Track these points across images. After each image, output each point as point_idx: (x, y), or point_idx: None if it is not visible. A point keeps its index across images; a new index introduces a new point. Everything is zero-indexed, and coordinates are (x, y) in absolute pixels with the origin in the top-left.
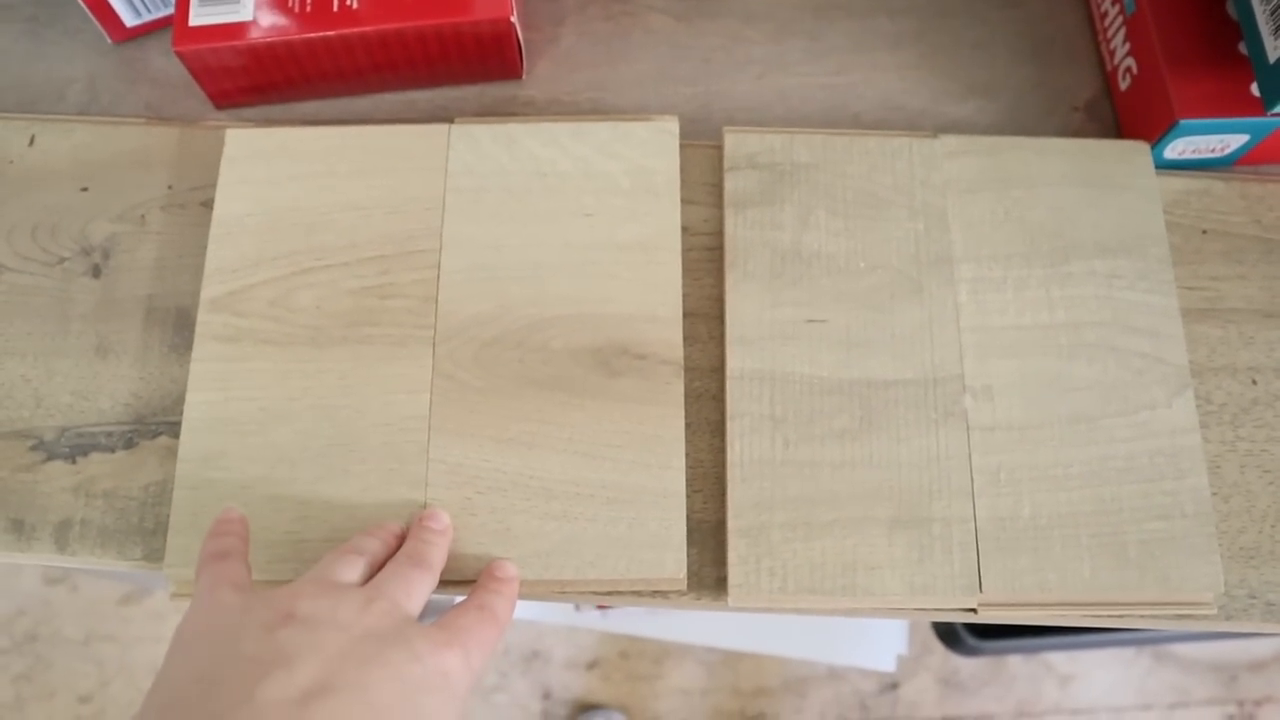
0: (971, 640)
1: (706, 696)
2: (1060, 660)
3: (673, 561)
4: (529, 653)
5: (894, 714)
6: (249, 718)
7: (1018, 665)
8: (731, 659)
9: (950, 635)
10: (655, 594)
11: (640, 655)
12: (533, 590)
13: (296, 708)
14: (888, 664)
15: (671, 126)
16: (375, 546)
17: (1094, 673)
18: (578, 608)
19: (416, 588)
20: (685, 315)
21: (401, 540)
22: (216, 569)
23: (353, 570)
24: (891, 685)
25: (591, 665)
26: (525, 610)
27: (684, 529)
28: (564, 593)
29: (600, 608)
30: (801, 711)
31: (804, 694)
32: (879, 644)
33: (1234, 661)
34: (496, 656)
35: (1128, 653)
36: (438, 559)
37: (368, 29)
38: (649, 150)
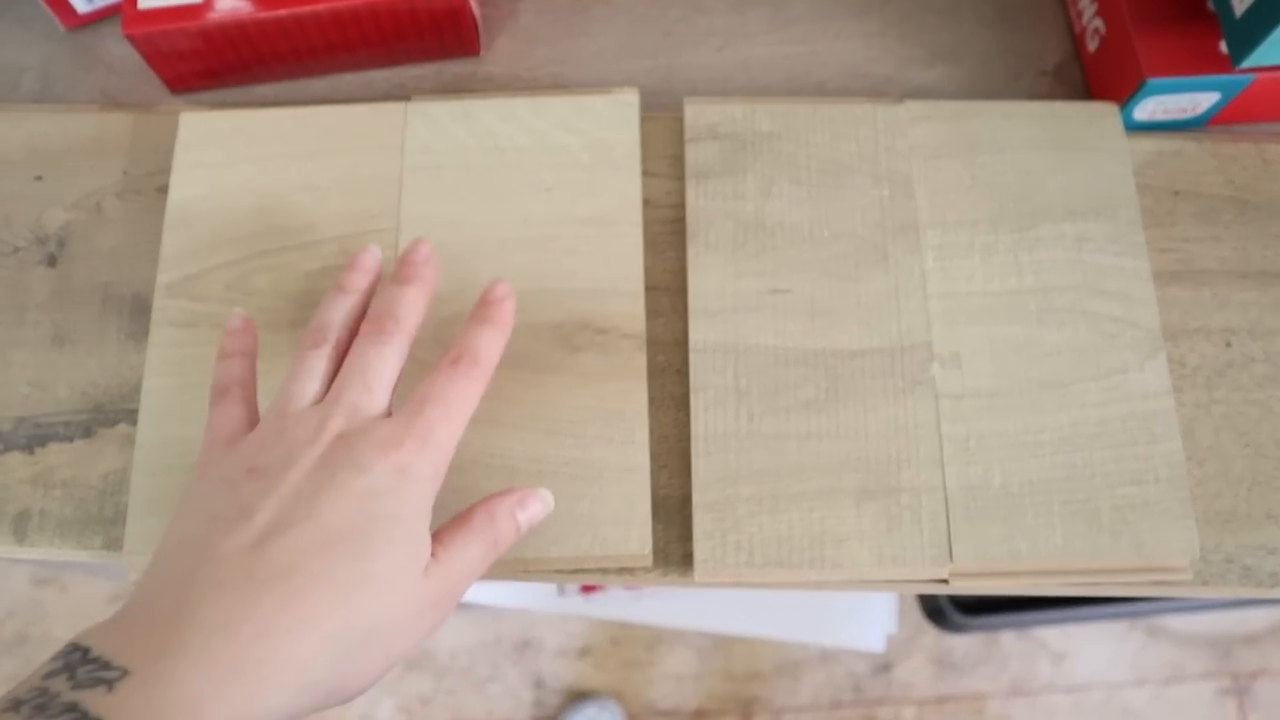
0: (958, 617)
1: (700, 681)
2: (1053, 637)
3: (637, 538)
4: (520, 642)
5: (887, 695)
6: (210, 573)
7: (1011, 644)
8: (724, 643)
9: (937, 613)
10: (621, 571)
11: (632, 641)
12: (495, 570)
13: (251, 552)
14: (877, 644)
15: (631, 99)
16: (338, 320)
17: (1087, 649)
18: (561, 590)
19: (376, 374)
20: (648, 289)
21: (367, 295)
22: (210, 420)
23: (311, 382)
24: (884, 666)
25: (583, 653)
26: (514, 598)
27: (649, 504)
28: (528, 572)
29: (584, 590)
30: (795, 694)
31: (797, 677)
32: (868, 624)
33: (1228, 635)
34: (487, 646)
35: (1121, 628)
36: (408, 315)
37: (321, 8)
38: (608, 123)
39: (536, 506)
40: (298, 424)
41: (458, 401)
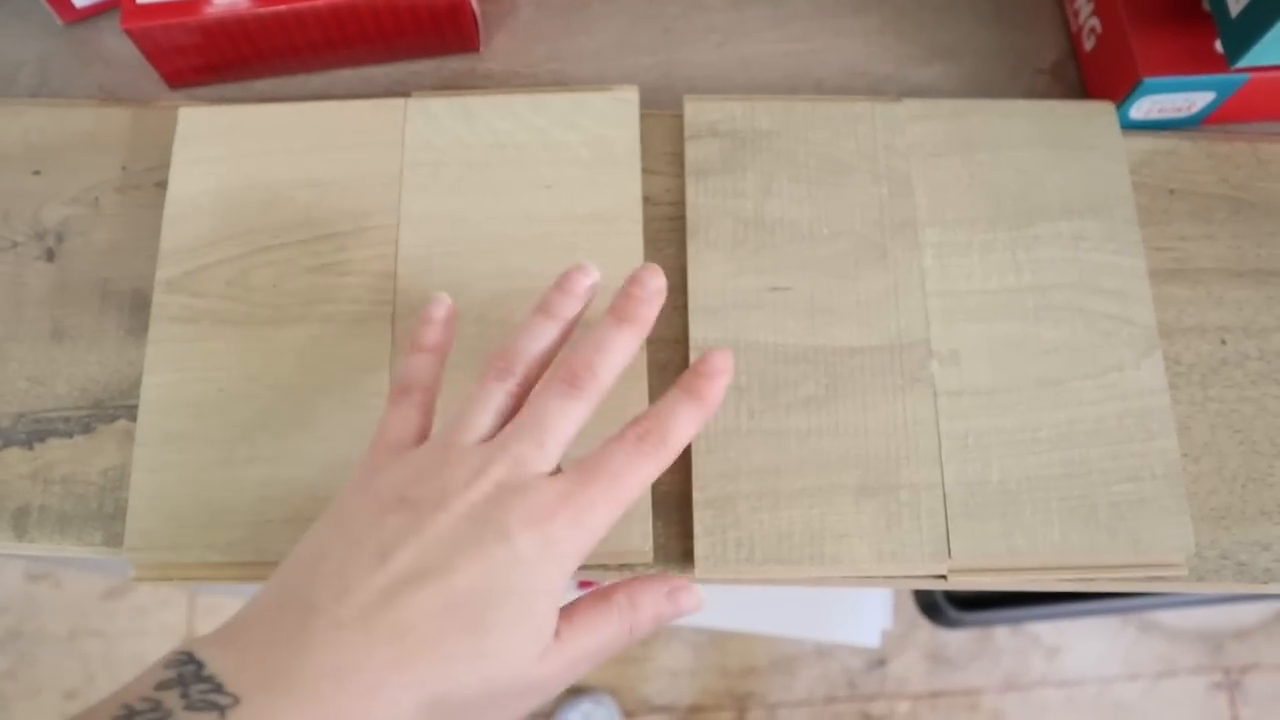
0: (953, 612)
1: (695, 677)
2: (1047, 632)
3: (639, 534)
4: None
5: (882, 690)
6: (335, 611)
7: (1005, 638)
8: (719, 639)
9: (932, 607)
10: (622, 567)
11: None
12: None
13: (379, 599)
14: (872, 639)
15: (631, 96)
16: (531, 352)
17: (1081, 644)
18: None
19: (553, 429)
20: None
21: (573, 324)
22: (385, 419)
23: (486, 415)
24: (879, 662)
25: None
26: None
27: (649, 501)
28: None
29: (581, 585)
30: (790, 690)
31: (792, 672)
32: (864, 620)
33: (1220, 630)
34: None
35: (1114, 623)
36: (609, 367)
37: (320, 3)
38: (608, 120)
39: (687, 602)
40: (460, 460)
41: (629, 485)
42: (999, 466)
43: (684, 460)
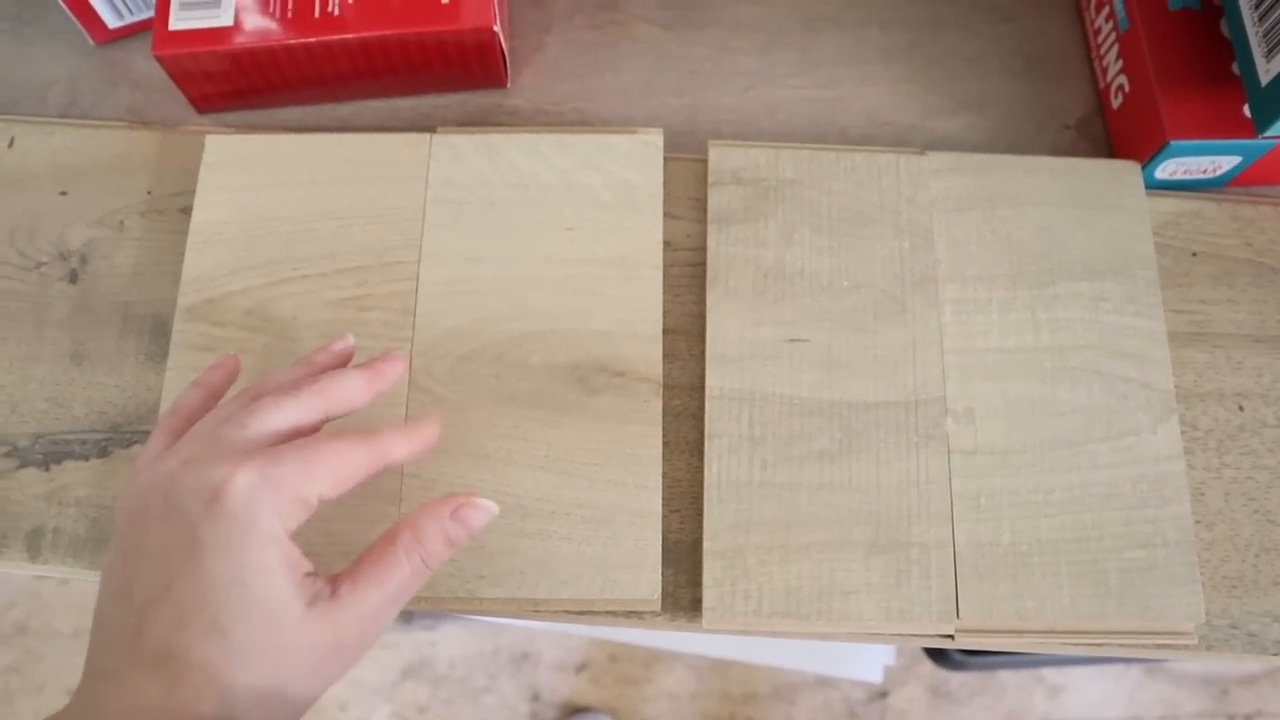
0: (958, 655)
1: (696, 701)
2: (1050, 672)
3: (647, 583)
4: (518, 654)
5: None
6: (108, 662)
7: (1008, 676)
8: (721, 664)
9: (937, 650)
10: (630, 614)
11: (630, 659)
12: (505, 608)
13: (135, 637)
14: (874, 675)
15: (656, 140)
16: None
17: (1084, 684)
18: None
19: (260, 415)
20: (666, 332)
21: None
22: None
23: (205, 427)
24: (881, 693)
25: (581, 668)
26: None
27: (660, 550)
28: (537, 611)
29: None
30: (790, 718)
31: (793, 700)
32: (867, 656)
33: (1225, 675)
34: (485, 657)
35: (1118, 665)
36: (339, 390)
37: (350, 36)
38: (632, 164)
39: (475, 516)
40: (164, 460)
41: (329, 456)
42: (1010, 528)
43: (695, 507)
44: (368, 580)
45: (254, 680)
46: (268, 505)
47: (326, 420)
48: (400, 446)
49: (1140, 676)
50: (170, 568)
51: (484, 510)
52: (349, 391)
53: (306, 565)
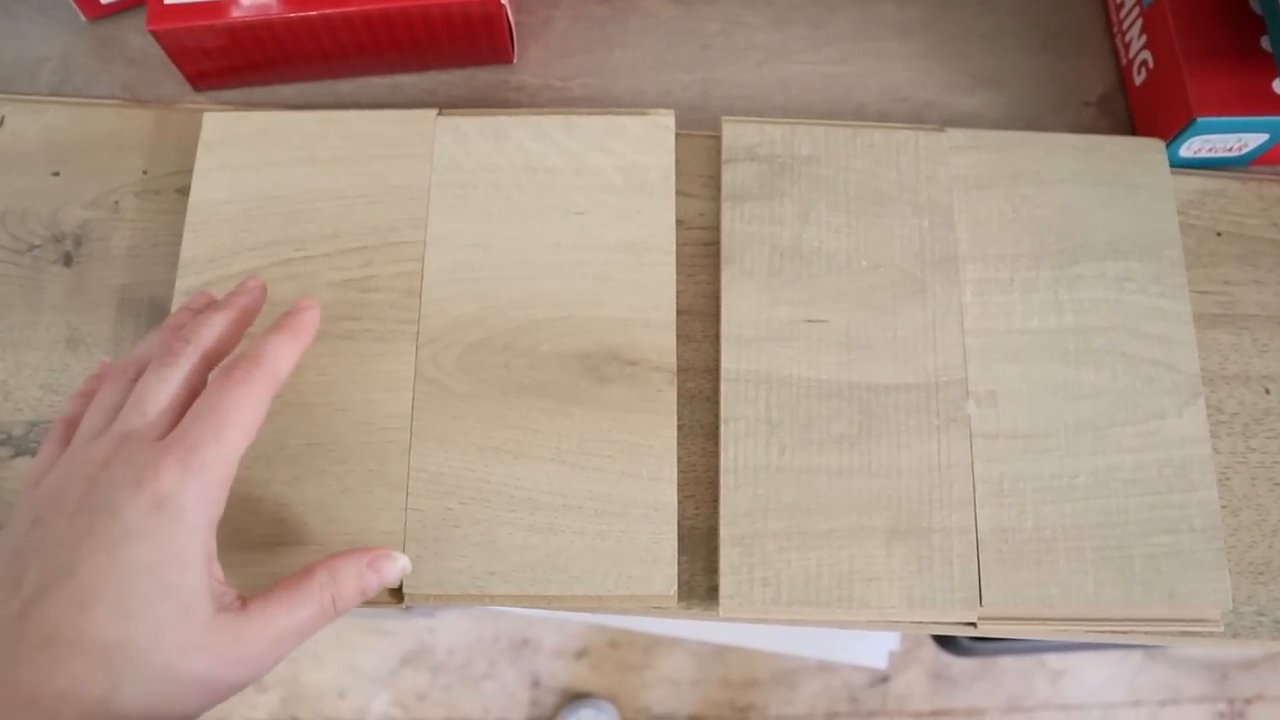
0: (966, 641)
1: (696, 687)
2: (1052, 656)
3: (663, 577)
4: (518, 641)
5: (884, 707)
6: None
7: (1009, 660)
8: (721, 650)
9: (944, 635)
10: (646, 608)
11: (630, 645)
12: (518, 604)
13: (18, 620)
14: (879, 661)
15: (667, 121)
16: (139, 357)
17: (1085, 669)
18: None
19: (152, 397)
20: (680, 313)
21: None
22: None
23: (96, 418)
24: (882, 678)
25: (581, 654)
26: None
27: (675, 543)
28: (550, 606)
29: None
30: (791, 703)
31: (794, 685)
32: (871, 641)
33: (1225, 660)
34: (485, 644)
35: (1119, 650)
36: (202, 336)
37: (351, 9)
38: (643, 146)
39: (389, 569)
40: (72, 460)
41: (231, 411)
42: (1034, 513)
43: (711, 493)
44: (279, 603)
45: (147, 672)
46: (194, 496)
47: (210, 368)
48: (286, 356)
49: (1141, 661)
50: (78, 554)
51: (400, 565)
52: (217, 329)
53: (220, 573)
